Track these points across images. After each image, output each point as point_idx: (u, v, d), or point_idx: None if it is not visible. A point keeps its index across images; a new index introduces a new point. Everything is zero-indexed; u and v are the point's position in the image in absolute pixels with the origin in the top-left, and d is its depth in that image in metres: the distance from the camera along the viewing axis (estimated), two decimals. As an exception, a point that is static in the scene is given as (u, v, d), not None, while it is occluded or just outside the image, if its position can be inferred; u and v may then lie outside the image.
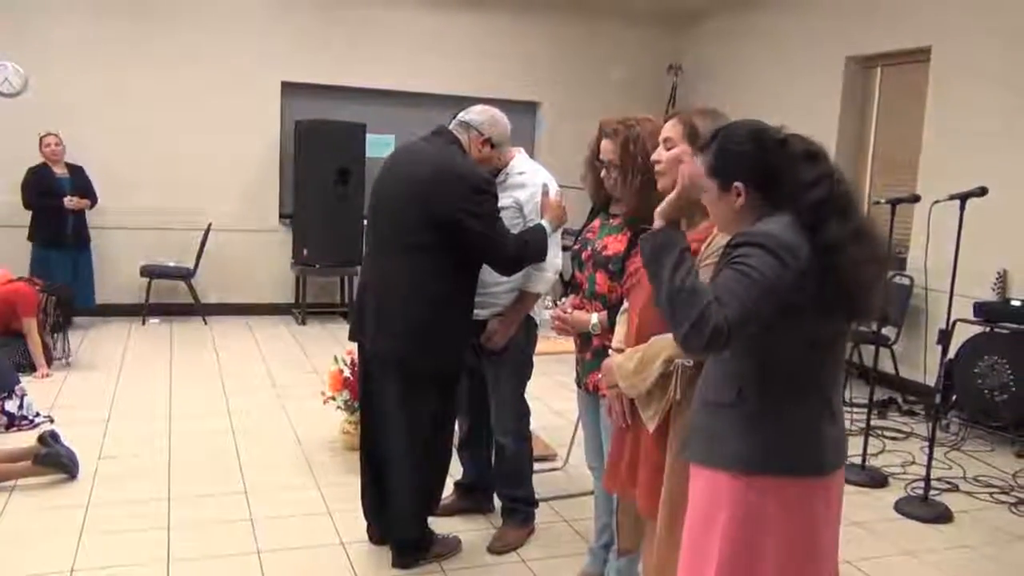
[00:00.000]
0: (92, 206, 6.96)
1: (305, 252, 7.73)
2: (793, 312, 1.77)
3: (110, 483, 3.94)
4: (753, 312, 1.72)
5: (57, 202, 6.67)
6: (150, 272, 7.35)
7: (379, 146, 7.87)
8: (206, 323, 7.52)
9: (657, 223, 1.97)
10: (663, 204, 1.99)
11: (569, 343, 3.00)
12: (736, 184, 1.88)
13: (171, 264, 7.45)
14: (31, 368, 5.60)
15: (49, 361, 5.77)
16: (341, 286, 8.33)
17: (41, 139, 6.75)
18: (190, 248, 7.47)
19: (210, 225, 7.57)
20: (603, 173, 2.73)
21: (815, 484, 1.90)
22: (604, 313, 2.74)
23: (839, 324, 1.90)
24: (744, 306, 1.71)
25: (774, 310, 1.75)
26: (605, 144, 2.70)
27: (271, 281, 8.12)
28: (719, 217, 1.97)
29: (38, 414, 4.72)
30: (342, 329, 7.26)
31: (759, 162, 1.87)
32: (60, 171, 6.83)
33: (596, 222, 2.90)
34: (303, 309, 7.89)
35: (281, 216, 8.09)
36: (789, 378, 1.87)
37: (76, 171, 6.89)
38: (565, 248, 3.49)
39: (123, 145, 7.35)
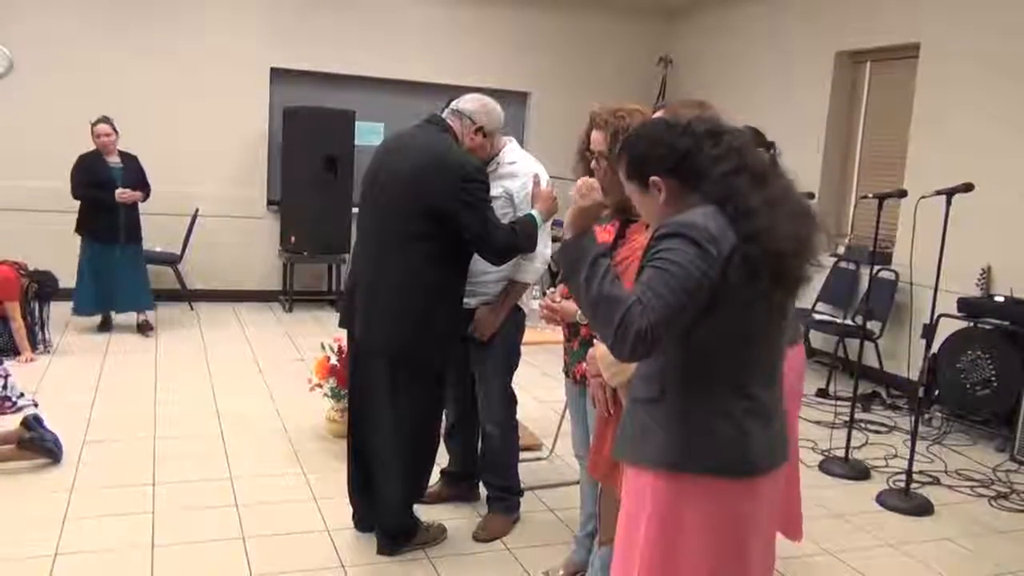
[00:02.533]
0: (146, 198, 6.40)
1: (293, 239, 7.71)
2: (717, 303, 1.73)
3: (94, 468, 3.93)
4: (677, 309, 1.68)
5: (108, 194, 6.13)
6: (136, 257, 7.31)
7: (369, 134, 7.85)
8: (192, 309, 7.48)
9: (566, 235, 1.90)
10: (567, 216, 1.93)
11: (557, 333, 3.01)
12: (652, 179, 1.86)
13: (157, 249, 7.40)
14: (15, 352, 5.57)
15: (34, 345, 5.74)
16: (329, 274, 8.31)
17: (92, 127, 6.20)
18: (177, 234, 7.43)
19: (197, 211, 7.53)
20: (592, 164, 2.73)
21: (739, 485, 1.84)
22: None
23: (763, 311, 1.83)
24: (667, 304, 1.67)
25: (699, 302, 1.71)
26: (595, 135, 2.70)
27: (258, 268, 8.09)
28: (650, 218, 1.94)
29: (22, 395, 4.70)
30: (329, 316, 7.28)
31: (665, 151, 1.85)
32: (113, 160, 6.28)
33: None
34: (290, 296, 7.87)
35: (269, 203, 8.05)
36: (713, 374, 1.83)
37: (129, 160, 6.37)
38: (555, 239, 3.49)
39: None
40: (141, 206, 6.40)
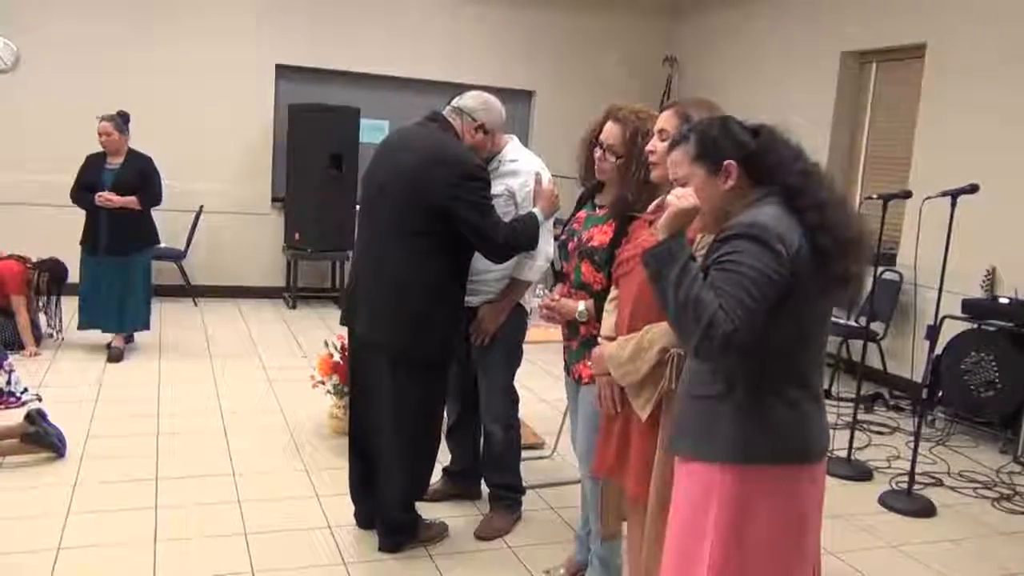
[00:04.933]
0: (146, 205, 5.59)
1: (297, 236, 7.71)
2: (787, 300, 1.78)
3: (97, 463, 3.94)
4: (758, 311, 1.73)
5: (90, 197, 5.45)
6: (141, 253, 7.31)
7: (373, 131, 7.84)
8: (196, 305, 7.50)
9: (660, 235, 1.91)
10: (663, 218, 1.92)
11: (559, 331, 3.01)
12: (726, 163, 1.90)
13: (162, 245, 7.41)
14: (19, 347, 5.58)
15: (38, 340, 5.75)
16: (332, 271, 8.32)
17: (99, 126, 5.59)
18: (181, 230, 7.44)
19: (202, 207, 7.55)
20: (598, 154, 2.73)
21: (804, 470, 1.92)
22: (591, 301, 2.74)
23: (824, 307, 1.92)
24: (749, 310, 1.72)
25: (775, 302, 1.76)
26: (611, 127, 2.70)
27: (262, 264, 8.10)
28: (707, 205, 1.93)
29: (26, 390, 4.71)
30: (332, 314, 7.28)
31: (742, 140, 1.92)
32: (114, 161, 5.57)
33: (582, 213, 2.91)
34: (294, 293, 7.87)
35: (273, 200, 8.06)
36: (779, 368, 1.88)
37: (131, 162, 5.57)
38: (556, 237, 3.50)
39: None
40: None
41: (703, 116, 2.08)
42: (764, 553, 1.88)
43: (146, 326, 5.89)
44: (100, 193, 5.42)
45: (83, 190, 5.52)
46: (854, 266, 1.86)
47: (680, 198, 1.92)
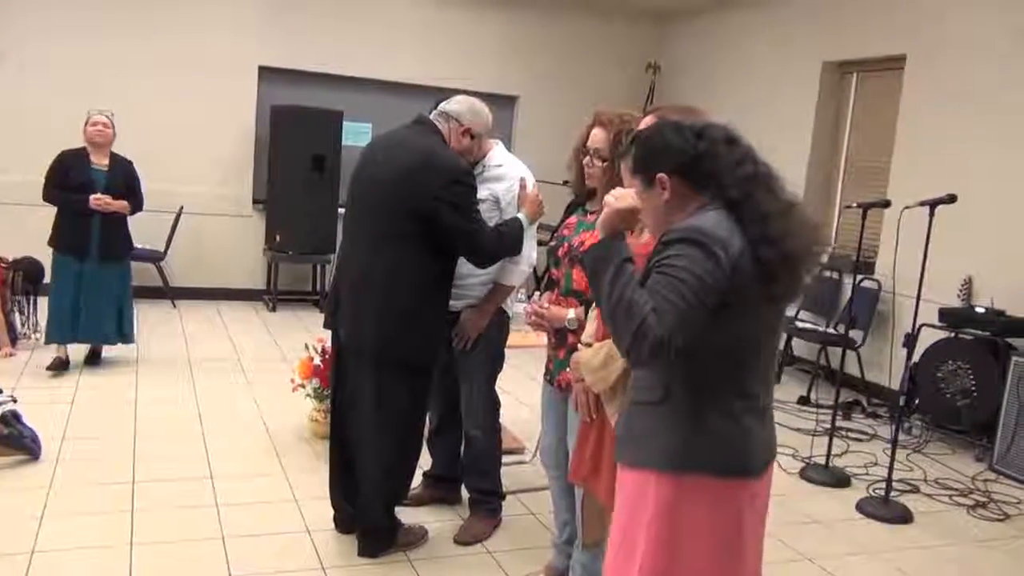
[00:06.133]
0: (134, 211, 5.39)
1: (278, 238, 7.67)
2: (725, 307, 1.75)
3: (73, 465, 3.89)
4: (690, 317, 1.70)
5: (83, 198, 5.13)
6: (120, 254, 7.24)
7: (356, 134, 7.83)
8: (175, 307, 7.44)
9: (600, 235, 1.91)
10: (601, 218, 1.93)
11: (541, 337, 3.01)
12: (659, 176, 1.86)
13: (141, 247, 7.35)
14: (-5, 347, 5.51)
15: (13, 340, 5.69)
16: (313, 274, 8.28)
17: (88, 118, 5.30)
18: (161, 231, 7.39)
19: (182, 208, 7.50)
20: (586, 160, 2.73)
21: (742, 485, 1.87)
22: (581, 309, 2.74)
23: (767, 316, 1.87)
24: (682, 313, 1.69)
25: (711, 308, 1.73)
26: (597, 132, 2.70)
27: (242, 267, 8.05)
28: (649, 216, 1.93)
29: (0, 391, 4.65)
30: (312, 316, 7.25)
31: (679, 150, 1.86)
32: (99, 161, 5.27)
33: (573, 219, 2.91)
34: (274, 296, 7.83)
35: (255, 201, 8.01)
36: (717, 376, 1.84)
37: (118, 165, 5.33)
38: (540, 243, 3.50)
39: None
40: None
41: (697, 120, 2.05)
42: (699, 566, 1.85)
43: (119, 341, 5.52)
44: (96, 196, 5.13)
45: (70, 190, 5.15)
46: (796, 279, 1.81)
47: (618, 199, 1.92)
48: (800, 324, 6.40)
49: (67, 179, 5.16)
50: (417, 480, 3.58)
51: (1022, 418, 4.72)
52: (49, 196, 5.22)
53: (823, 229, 1.91)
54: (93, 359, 5.52)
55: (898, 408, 4.32)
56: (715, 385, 1.84)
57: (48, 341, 5.37)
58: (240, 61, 7.71)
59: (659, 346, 1.68)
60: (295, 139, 7.49)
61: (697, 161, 1.85)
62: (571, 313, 2.74)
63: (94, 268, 5.26)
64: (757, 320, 1.85)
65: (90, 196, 5.11)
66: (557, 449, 2.97)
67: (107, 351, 5.64)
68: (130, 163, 5.44)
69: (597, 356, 2.35)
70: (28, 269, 5.81)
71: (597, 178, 2.73)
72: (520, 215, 3.23)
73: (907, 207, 4.14)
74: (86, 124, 5.27)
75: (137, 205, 5.42)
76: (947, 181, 4.79)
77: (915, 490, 4.48)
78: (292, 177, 7.53)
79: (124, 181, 5.33)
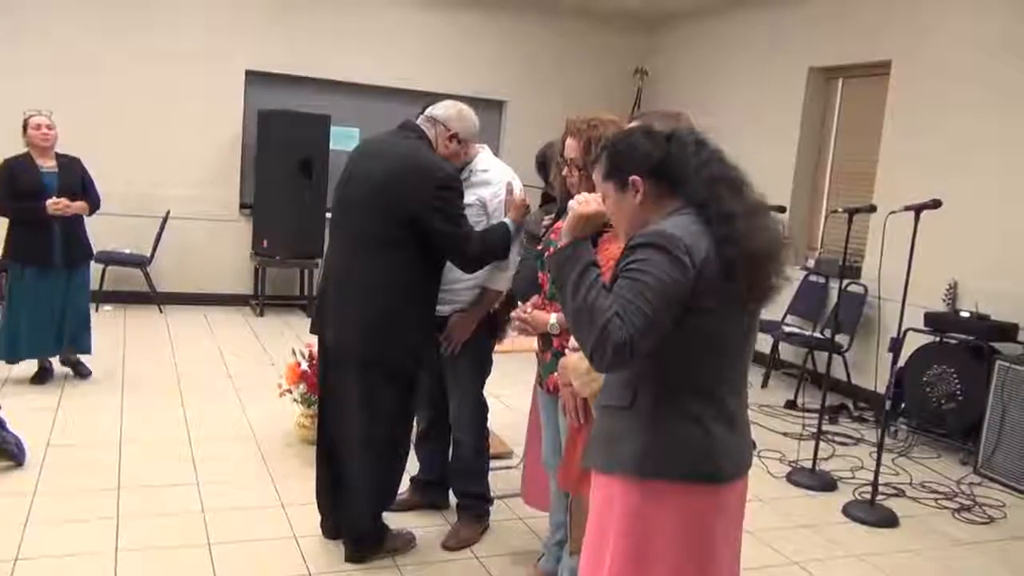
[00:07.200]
0: (92, 211, 5.15)
1: (265, 243, 7.65)
2: (691, 311, 1.76)
3: (58, 471, 3.87)
4: (654, 321, 1.70)
5: (38, 205, 4.86)
6: (105, 259, 7.18)
7: (343, 138, 7.81)
8: (161, 312, 7.40)
9: (563, 239, 1.91)
10: (566, 223, 1.94)
11: (530, 341, 3.01)
12: (632, 178, 1.88)
13: (127, 251, 7.32)
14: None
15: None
16: (300, 278, 8.25)
17: (26, 120, 4.98)
18: (147, 235, 7.35)
19: (168, 212, 7.46)
20: (565, 171, 2.74)
21: (709, 490, 1.86)
22: (562, 313, 2.74)
23: (737, 320, 1.87)
24: (645, 317, 1.69)
25: (674, 313, 1.74)
26: (569, 142, 2.72)
27: (229, 271, 8.01)
28: (624, 221, 1.93)
29: (-17, 399, 4.60)
30: (300, 321, 7.23)
31: (649, 153, 1.88)
32: (47, 164, 4.99)
33: (559, 223, 2.91)
34: (261, 301, 7.81)
35: (242, 206, 7.99)
36: (684, 381, 1.84)
37: (67, 165, 5.08)
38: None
39: (82, 129, 7.14)
40: (101, 211, 5.27)
41: (682, 126, 2.07)
42: (666, 572, 1.84)
43: (90, 350, 5.36)
44: (54, 200, 4.87)
45: (22, 198, 4.88)
46: (762, 279, 1.82)
47: (582, 203, 1.93)
48: (787, 328, 6.43)
49: (17, 187, 4.89)
50: (404, 485, 3.57)
51: (1007, 422, 4.76)
52: (1, 208, 5.00)
53: (787, 235, 1.91)
54: (75, 367, 5.38)
55: (884, 412, 4.35)
56: (683, 391, 1.84)
57: (4, 358, 5.09)
58: (227, 65, 7.68)
59: (621, 349, 1.68)
60: (282, 143, 7.47)
61: (667, 163, 1.87)
62: (553, 318, 2.74)
63: (51, 277, 5.03)
64: (725, 325, 1.85)
65: (46, 202, 4.87)
66: (554, 450, 2.98)
67: (87, 358, 5.46)
68: (78, 160, 5.18)
69: (584, 361, 2.35)
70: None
71: (576, 186, 2.74)
72: (507, 220, 3.23)
73: (893, 212, 4.16)
74: (25, 127, 4.98)
75: (95, 203, 5.19)
76: (932, 186, 4.83)
77: (901, 494, 4.50)
78: (279, 181, 7.51)
79: (77, 181, 5.09)
